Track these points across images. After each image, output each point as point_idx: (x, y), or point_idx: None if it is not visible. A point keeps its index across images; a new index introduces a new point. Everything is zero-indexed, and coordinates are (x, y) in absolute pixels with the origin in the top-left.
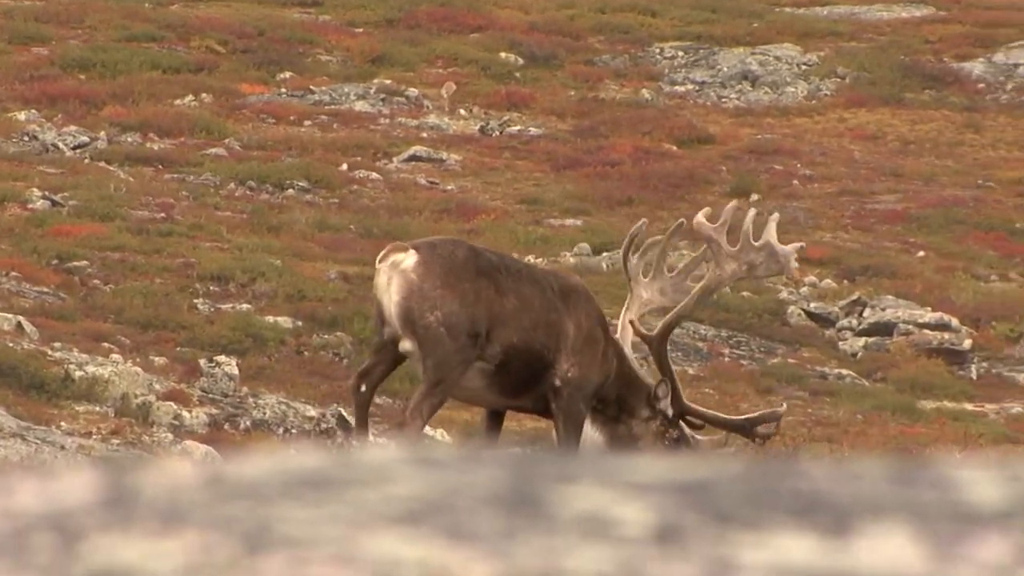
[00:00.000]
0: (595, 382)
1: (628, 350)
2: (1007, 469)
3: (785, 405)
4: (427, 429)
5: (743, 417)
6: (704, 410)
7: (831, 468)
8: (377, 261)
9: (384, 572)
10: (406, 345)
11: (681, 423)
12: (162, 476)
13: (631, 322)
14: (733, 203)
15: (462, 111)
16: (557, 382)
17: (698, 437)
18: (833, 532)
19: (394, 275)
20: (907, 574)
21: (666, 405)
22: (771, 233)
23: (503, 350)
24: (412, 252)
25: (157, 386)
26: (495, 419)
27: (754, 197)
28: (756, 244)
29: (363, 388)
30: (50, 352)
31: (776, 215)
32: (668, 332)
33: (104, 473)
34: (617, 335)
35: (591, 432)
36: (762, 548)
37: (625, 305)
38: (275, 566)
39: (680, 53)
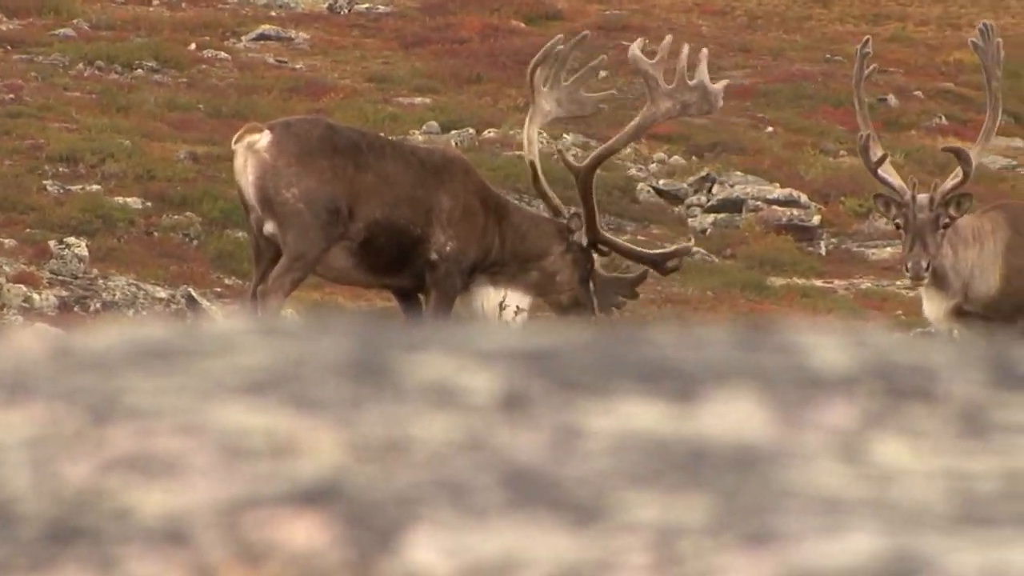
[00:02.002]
0: (472, 256)
1: (539, 171)
2: (853, 335)
3: (693, 241)
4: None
5: (655, 251)
6: (618, 241)
7: (677, 336)
8: (232, 143)
9: (230, 442)
10: (269, 227)
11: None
12: (8, 348)
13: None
14: (669, 38)
15: None
16: (433, 256)
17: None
18: (679, 398)
19: (249, 156)
20: (753, 439)
21: (580, 236)
22: (704, 72)
23: (366, 227)
24: (266, 132)
25: (7, 268)
26: (408, 302)
27: (603, 74)
28: (690, 83)
29: (259, 308)
30: None
31: (705, 51)
32: (596, 165)
33: None
34: (525, 150)
35: (493, 295)
36: (609, 415)
37: (528, 117)
38: (122, 437)
39: None
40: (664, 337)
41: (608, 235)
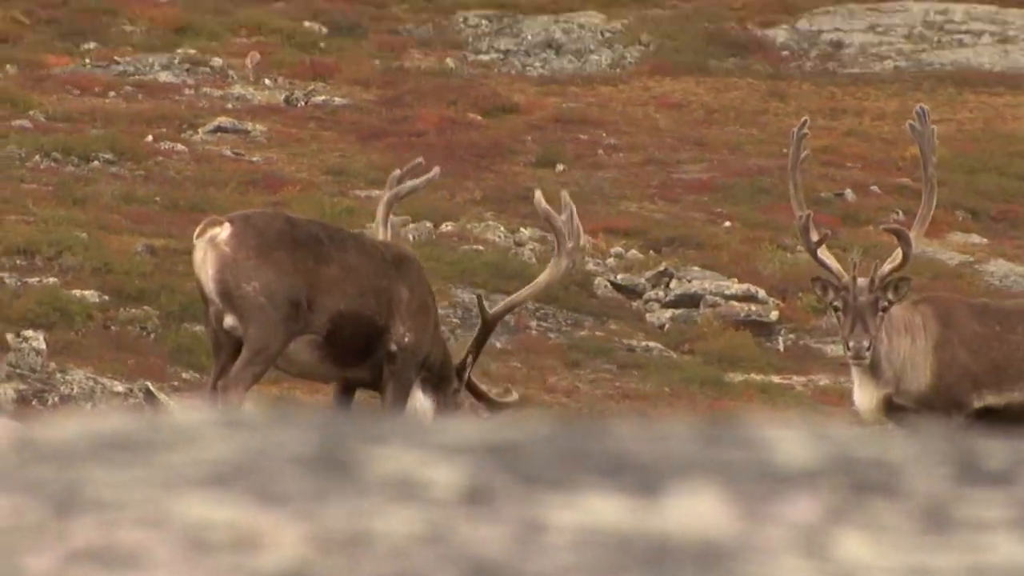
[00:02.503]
0: (425, 350)
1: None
2: (815, 429)
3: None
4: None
5: (497, 399)
6: (477, 385)
7: (639, 429)
8: (195, 237)
9: (194, 534)
10: (229, 321)
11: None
12: None
13: (478, 296)
14: (565, 196)
15: (267, 81)
16: (392, 347)
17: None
18: (642, 492)
19: (209, 249)
20: (716, 534)
21: (465, 376)
22: (580, 228)
23: (330, 319)
24: (226, 225)
25: None
26: (345, 396)
27: (559, 167)
28: (581, 242)
29: (219, 403)
30: None
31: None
32: (505, 314)
33: None
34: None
35: (422, 400)
36: (571, 508)
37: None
38: (84, 529)
39: (484, 21)
40: (626, 430)
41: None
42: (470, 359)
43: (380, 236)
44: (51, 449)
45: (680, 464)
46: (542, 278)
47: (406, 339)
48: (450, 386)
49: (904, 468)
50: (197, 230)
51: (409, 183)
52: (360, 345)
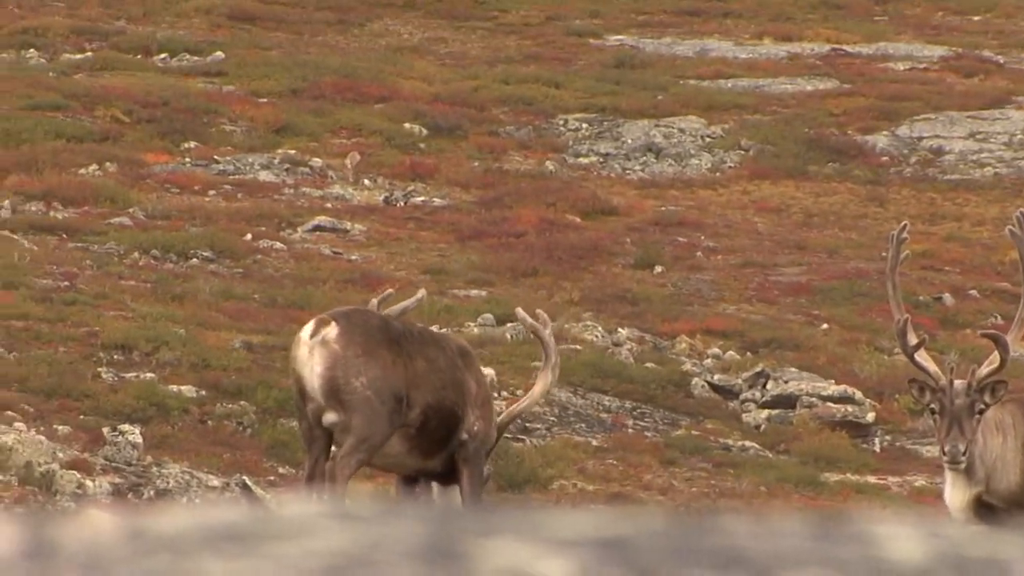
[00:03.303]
0: (493, 438)
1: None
2: (926, 526)
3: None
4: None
5: None
6: None
7: (751, 523)
8: (306, 336)
9: None
10: (330, 417)
11: None
12: (82, 528)
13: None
14: (540, 310)
15: (366, 181)
16: (464, 436)
17: None
18: None
19: (317, 347)
20: None
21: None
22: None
23: (421, 411)
24: (333, 324)
25: (60, 454)
26: (409, 487)
27: (658, 269)
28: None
29: (316, 496)
30: None
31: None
32: (509, 423)
33: (25, 525)
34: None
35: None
36: None
37: None
38: None
39: (584, 125)
40: (738, 525)
41: None
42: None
43: None
44: (163, 539)
45: (792, 559)
46: (536, 390)
47: (475, 428)
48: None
49: (1015, 567)
50: (309, 330)
51: (400, 305)
52: (442, 436)
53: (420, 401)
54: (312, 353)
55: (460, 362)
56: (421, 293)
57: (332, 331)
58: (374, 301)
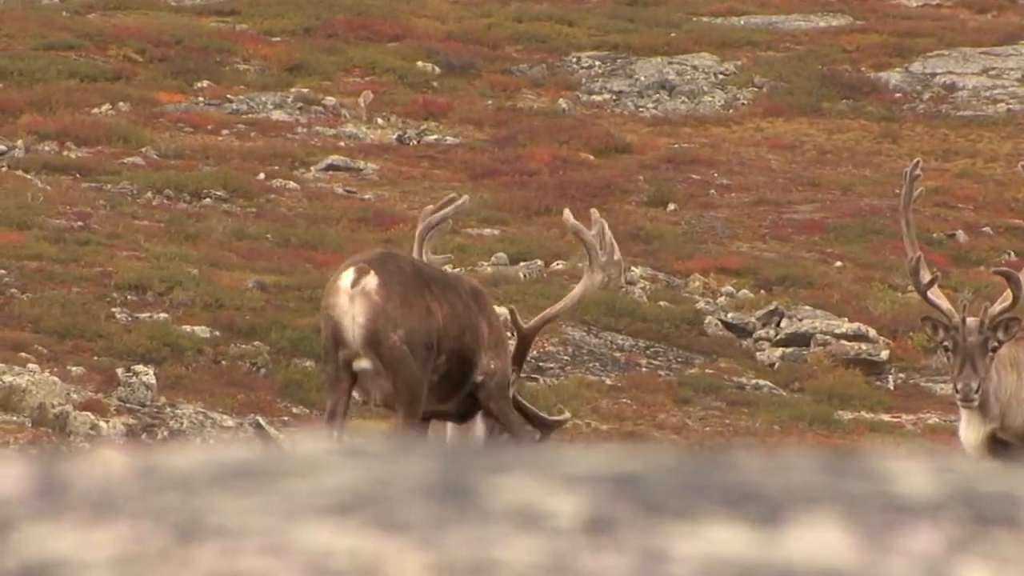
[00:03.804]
0: (509, 374)
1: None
2: (938, 461)
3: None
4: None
5: (547, 417)
6: (524, 402)
7: (762, 460)
8: (341, 283)
9: (315, 563)
10: (363, 364)
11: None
12: (93, 466)
13: (511, 310)
14: (596, 214)
15: (379, 120)
16: (480, 378)
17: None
18: (765, 523)
19: (358, 297)
20: (839, 565)
21: (514, 391)
22: (617, 249)
23: (447, 358)
24: (372, 273)
25: (74, 396)
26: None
27: (671, 207)
28: (615, 257)
29: (337, 433)
30: None
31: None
32: (541, 327)
33: (34, 464)
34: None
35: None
36: (694, 539)
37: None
38: (206, 556)
39: (597, 63)
40: (749, 461)
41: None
42: (513, 376)
43: None
44: (173, 477)
45: (803, 495)
46: (576, 292)
47: (491, 366)
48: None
49: None
50: (345, 277)
51: (440, 213)
52: (458, 380)
53: (445, 348)
54: (353, 302)
55: (474, 304)
56: (464, 199)
57: (372, 281)
58: (429, 207)
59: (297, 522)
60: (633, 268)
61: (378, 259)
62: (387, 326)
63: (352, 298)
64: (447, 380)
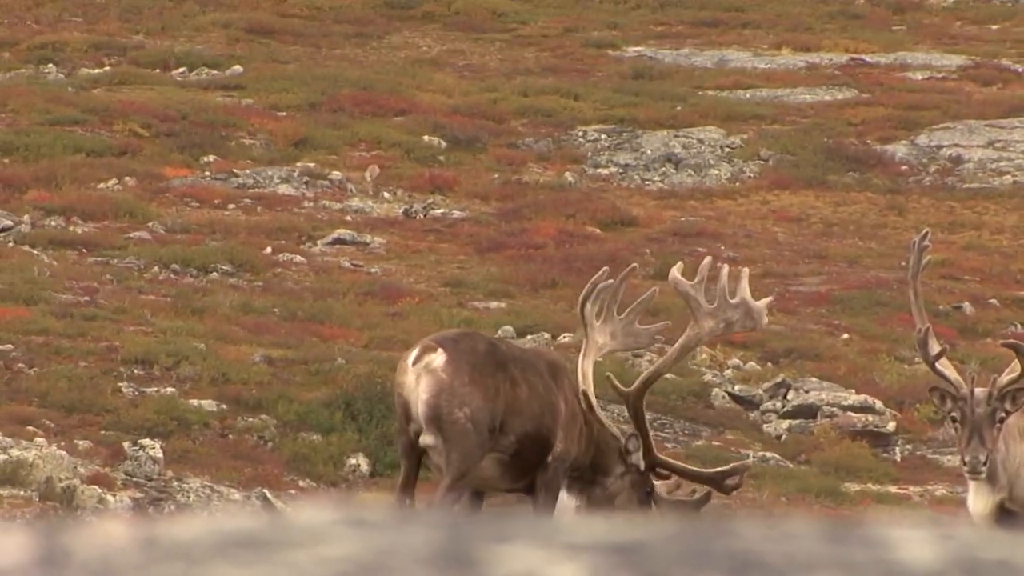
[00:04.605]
0: (574, 454)
1: (594, 402)
2: (939, 529)
3: (752, 457)
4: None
5: (713, 470)
6: (676, 463)
7: (764, 528)
8: (409, 363)
9: None
10: (428, 440)
11: (651, 477)
12: (95, 537)
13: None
14: (708, 259)
15: (386, 194)
16: (549, 458)
17: (664, 494)
18: None
19: (423, 374)
20: None
21: (638, 459)
22: (745, 289)
23: (517, 439)
24: (440, 351)
25: (81, 469)
26: (476, 499)
27: None
28: (732, 301)
29: (407, 502)
30: None
31: (746, 270)
32: (646, 387)
33: (38, 534)
34: (580, 383)
35: (567, 500)
36: None
37: (582, 351)
38: None
39: (603, 136)
40: (751, 529)
41: (665, 457)
42: (633, 441)
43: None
44: (176, 547)
45: (805, 563)
46: (680, 343)
47: (559, 448)
48: (610, 475)
49: None
50: (413, 356)
51: (607, 282)
52: (534, 459)
53: (517, 428)
54: (419, 380)
55: (552, 383)
56: (652, 291)
57: (439, 358)
58: (606, 280)
59: None
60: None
61: (451, 338)
62: (452, 403)
63: (418, 376)
64: (522, 460)
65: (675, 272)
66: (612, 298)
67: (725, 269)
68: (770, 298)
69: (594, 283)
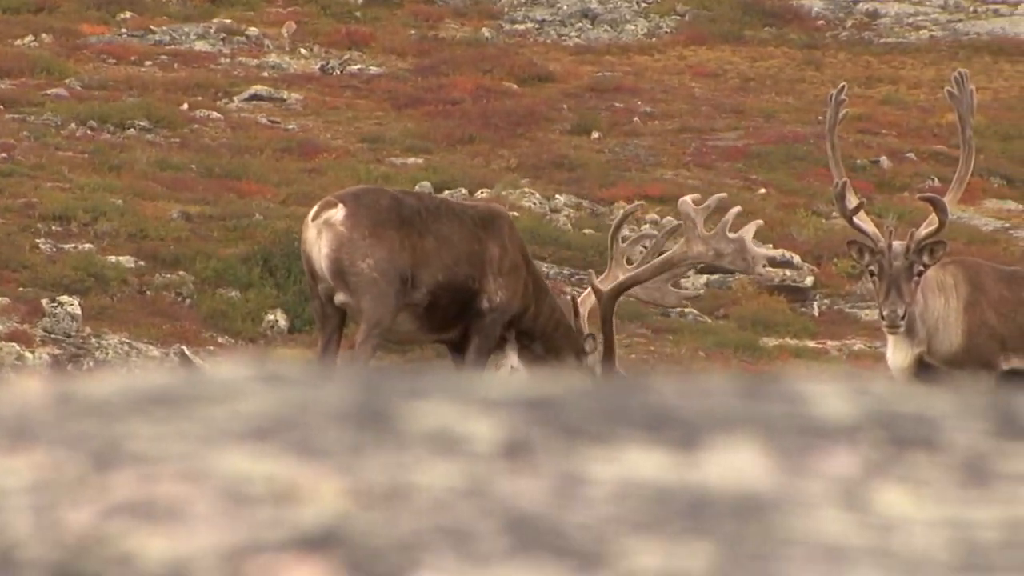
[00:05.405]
0: (515, 308)
1: (583, 311)
2: (855, 384)
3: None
4: None
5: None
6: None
7: (680, 384)
8: (310, 219)
9: (232, 488)
10: (340, 297)
11: None
12: (10, 394)
13: (589, 273)
14: (722, 195)
15: (302, 50)
16: (485, 305)
17: None
18: (682, 446)
19: (324, 229)
20: (756, 488)
21: (593, 361)
22: (748, 232)
23: (429, 291)
24: (340, 206)
25: (0, 326)
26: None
27: (595, 135)
28: (731, 236)
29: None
30: None
31: (759, 221)
32: (620, 291)
33: None
34: (579, 297)
35: (515, 362)
36: (611, 462)
37: (601, 276)
38: (124, 483)
39: None
40: (666, 385)
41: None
42: (590, 341)
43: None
44: (91, 404)
45: (720, 418)
46: (664, 256)
47: (497, 297)
48: (560, 361)
49: (944, 423)
50: (313, 212)
51: (652, 232)
52: (456, 309)
53: (427, 280)
54: (320, 236)
55: (481, 232)
56: (720, 196)
57: (339, 213)
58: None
59: (214, 448)
60: (557, 196)
61: (352, 193)
62: (354, 255)
63: (319, 231)
64: (440, 312)
65: (687, 197)
66: (653, 251)
67: (735, 209)
68: (775, 251)
69: (626, 214)
